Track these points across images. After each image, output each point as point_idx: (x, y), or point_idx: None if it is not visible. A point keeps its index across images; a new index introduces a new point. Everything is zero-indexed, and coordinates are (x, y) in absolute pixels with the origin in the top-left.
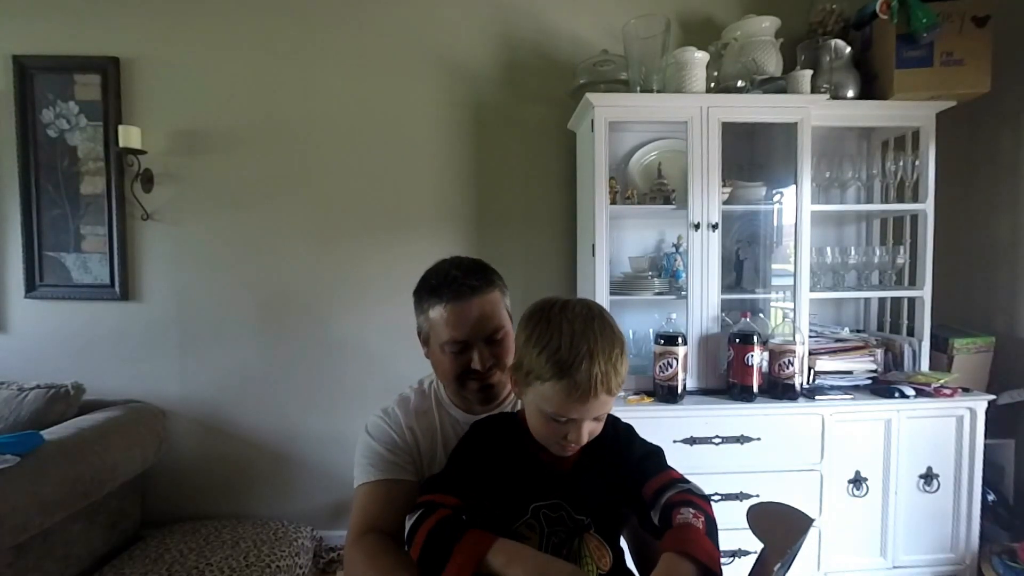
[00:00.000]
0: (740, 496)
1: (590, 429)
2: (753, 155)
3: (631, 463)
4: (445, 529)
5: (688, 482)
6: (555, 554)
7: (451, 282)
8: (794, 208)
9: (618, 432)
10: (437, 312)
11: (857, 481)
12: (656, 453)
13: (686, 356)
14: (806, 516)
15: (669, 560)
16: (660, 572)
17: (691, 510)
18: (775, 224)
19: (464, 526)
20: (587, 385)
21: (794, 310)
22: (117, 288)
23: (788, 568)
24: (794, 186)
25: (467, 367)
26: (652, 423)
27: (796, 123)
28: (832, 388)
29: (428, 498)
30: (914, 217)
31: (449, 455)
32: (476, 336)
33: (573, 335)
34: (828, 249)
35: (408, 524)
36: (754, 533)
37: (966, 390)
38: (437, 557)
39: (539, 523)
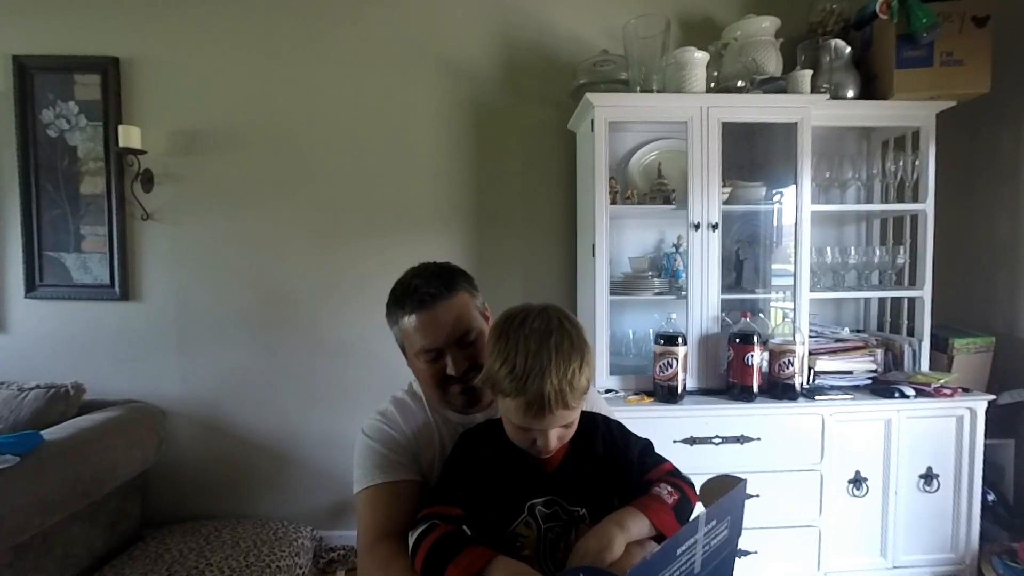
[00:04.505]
0: None
1: (558, 435)
2: (753, 155)
3: (631, 459)
4: (445, 545)
5: (680, 474)
6: (553, 547)
7: (412, 292)
8: (794, 208)
9: (611, 429)
10: (405, 322)
11: (857, 481)
12: (650, 447)
13: (686, 356)
14: (737, 477)
15: (627, 511)
16: (613, 516)
17: (668, 487)
18: (775, 224)
19: (464, 543)
20: (542, 403)
21: (794, 310)
22: (117, 288)
23: (722, 524)
24: (794, 186)
25: (444, 373)
26: (652, 423)
27: (796, 123)
28: (832, 388)
29: (430, 511)
30: (914, 217)
31: (442, 467)
32: (447, 342)
33: (528, 354)
34: (828, 249)
35: (411, 539)
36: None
37: (966, 390)
38: (435, 574)
39: (535, 520)
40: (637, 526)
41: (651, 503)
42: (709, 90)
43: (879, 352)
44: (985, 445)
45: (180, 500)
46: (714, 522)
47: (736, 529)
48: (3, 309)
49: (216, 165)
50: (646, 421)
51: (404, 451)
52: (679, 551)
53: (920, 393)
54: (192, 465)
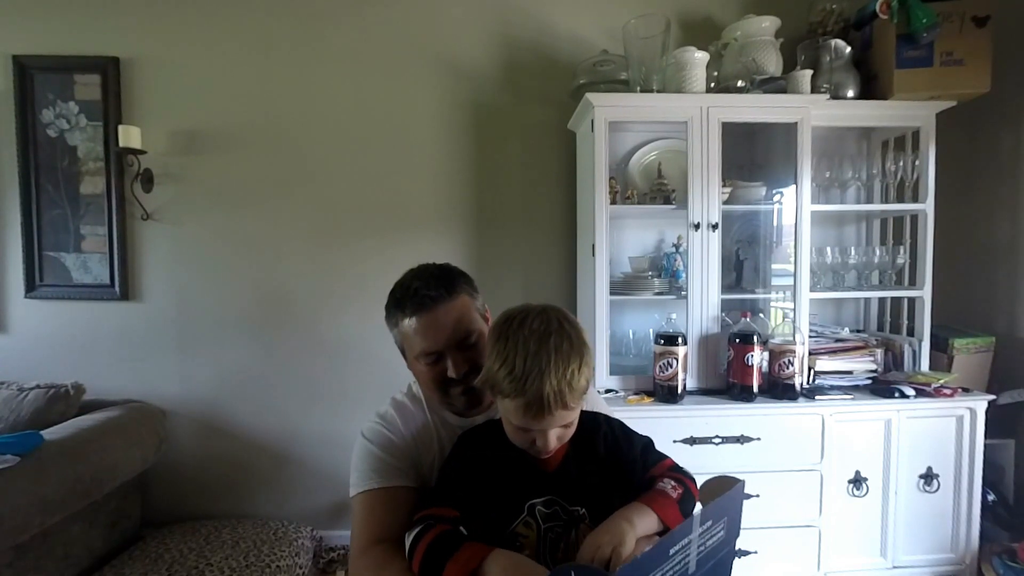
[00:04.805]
0: None
1: (557, 435)
2: (753, 155)
3: (634, 457)
4: (442, 543)
5: (681, 469)
6: (553, 547)
7: (412, 294)
8: (794, 208)
9: (613, 429)
10: (405, 325)
11: (857, 481)
12: (651, 444)
13: (686, 356)
14: (736, 478)
15: (635, 506)
16: (621, 512)
17: (671, 482)
18: (775, 224)
19: (461, 540)
20: (541, 403)
21: (794, 310)
22: (117, 288)
23: (719, 525)
24: (794, 186)
25: (445, 375)
26: (652, 423)
27: (796, 123)
28: (832, 388)
29: (426, 512)
30: (914, 217)
31: (441, 467)
32: (447, 345)
33: (527, 355)
34: (828, 249)
35: (408, 540)
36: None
37: (966, 390)
38: (434, 572)
39: (535, 520)
40: (645, 521)
41: (656, 498)
42: (709, 90)
43: (879, 352)
44: (985, 445)
45: (180, 500)
46: (710, 522)
47: (734, 530)
48: (3, 309)
49: (216, 165)
50: (646, 421)
51: (402, 455)
52: (672, 551)
53: (920, 393)
54: (192, 465)
